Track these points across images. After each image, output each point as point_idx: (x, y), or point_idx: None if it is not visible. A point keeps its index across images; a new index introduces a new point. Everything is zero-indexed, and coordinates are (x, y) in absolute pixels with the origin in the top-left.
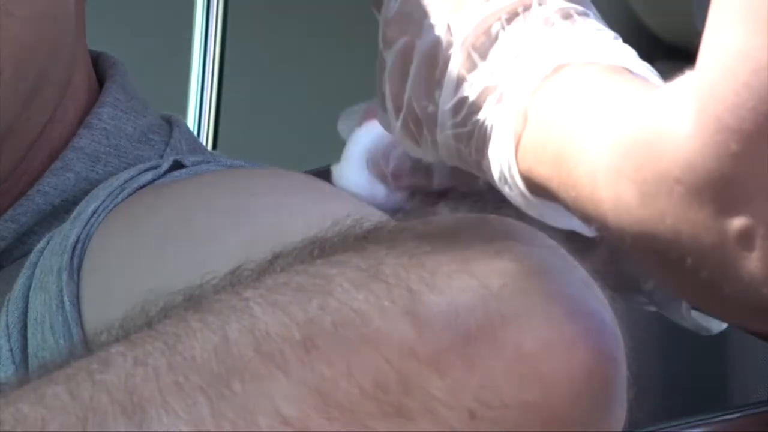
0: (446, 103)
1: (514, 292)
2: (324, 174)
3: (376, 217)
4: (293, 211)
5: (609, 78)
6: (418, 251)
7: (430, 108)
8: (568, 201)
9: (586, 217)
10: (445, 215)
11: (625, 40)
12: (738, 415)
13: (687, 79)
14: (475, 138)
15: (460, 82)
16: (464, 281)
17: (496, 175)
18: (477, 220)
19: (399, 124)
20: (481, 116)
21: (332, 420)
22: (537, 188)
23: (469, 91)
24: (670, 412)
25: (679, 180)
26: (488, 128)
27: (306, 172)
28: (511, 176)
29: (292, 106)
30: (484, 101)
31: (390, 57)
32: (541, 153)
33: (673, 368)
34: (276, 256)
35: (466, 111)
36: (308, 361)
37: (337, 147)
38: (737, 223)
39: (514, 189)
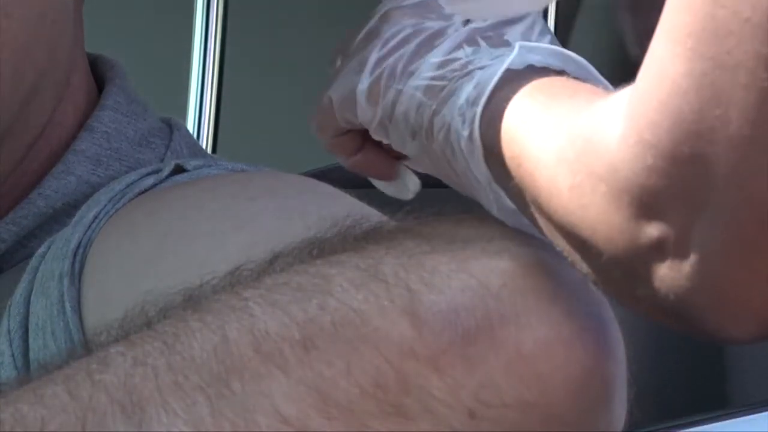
0: (434, 57)
1: (514, 292)
2: (324, 175)
3: (376, 217)
4: (293, 214)
5: (575, 83)
6: (418, 251)
7: (413, 66)
8: (512, 175)
9: (525, 195)
10: (445, 216)
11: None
12: (738, 415)
13: (628, 90)
14: (446, 91)
15: (456, 47)
16: (464, 281)
17: (458, 123)
18: (477, 220)
19: (371, 80)
20: (462, 72)
21: (332, 419)
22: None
23: (463, 54)
24: (670, 412)
25: (603, 179)
26: (462, 84)
27: (306, 173)
28: (472, 130)
29: (291, 106)
30: (470, 66)
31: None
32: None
33: (673, 368)
34: (275, 257)
35: (450, 68)
36: (308, 361)
37: None
38: (650, 230)
39: (473, 146)
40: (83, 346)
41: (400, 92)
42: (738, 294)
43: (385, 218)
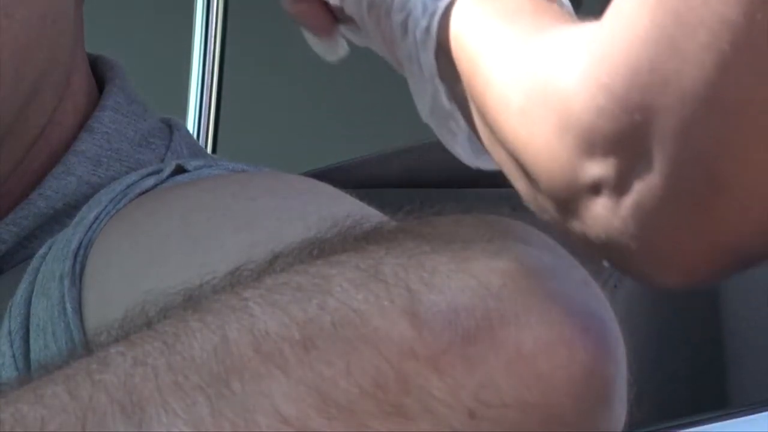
0: None
1: (514, 292)
2: (324, 175)
3: (376, 218)
4: (293, 215)
5: (542, 2)
6: (418, 251)
7: None
8: (467, 89)
9: (472, 102)
10: (445, 216)
11: None
12: (738, 415)
13: (592, 28)
14: None
15: None
16: (464, 281)
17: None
18: (477, 220)
19: None
20: None
21: (332, 419)
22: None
23: None
24: (670, 412)
25: (555, 111)
26: None
27: (306, 172)
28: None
29: (291, 106)
30: None
31: None
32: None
33: (673, 368)
34: (275, 257)
35: None
36: (308, 361)
37: (337, 147)
38: (591, 169)
39: (426, 47)
40: (84, 347)
41: None
42: (667, 243)
43: (385, 218)
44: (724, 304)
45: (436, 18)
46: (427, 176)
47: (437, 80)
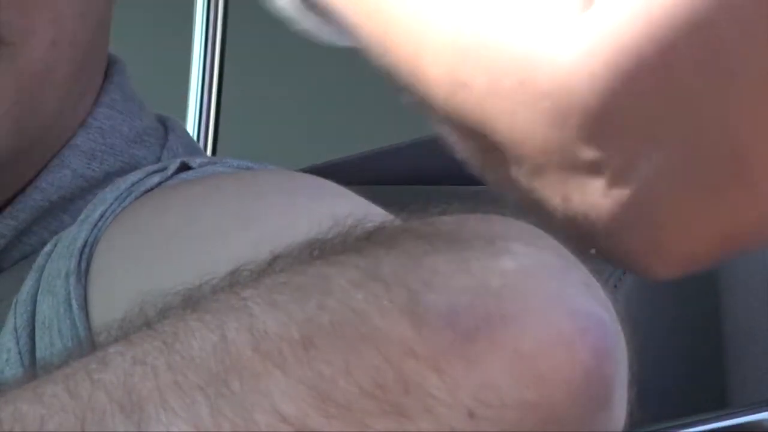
0: None
1: (514, 292)
2: (324, 172)
3: (380, 216)
4: (300, 212)
5: None
6: (418, 251)
7: None
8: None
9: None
10: (448, 215)
11: None
12: (738, 415)
13: (595, 5)
14: None
15: None
16: (464, 281)
17: None
18: (477, 220)
19: None
20: None
21: (331, 418)
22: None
23: None
24: (670, 412)
25: (548, 95)
26: None
27: (305, 168)
28: None
29: (292, 106)
30: None
31: None
32: None
33: (673, 368)
34: (275, 257)
35: None
36: (307, 360)
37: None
38: (592, 153)
39: None
40: (88, 345)
41: None
42: (671, 232)
43: (389, 216)
44: (725, 304)
45: None
46: (431, 173)
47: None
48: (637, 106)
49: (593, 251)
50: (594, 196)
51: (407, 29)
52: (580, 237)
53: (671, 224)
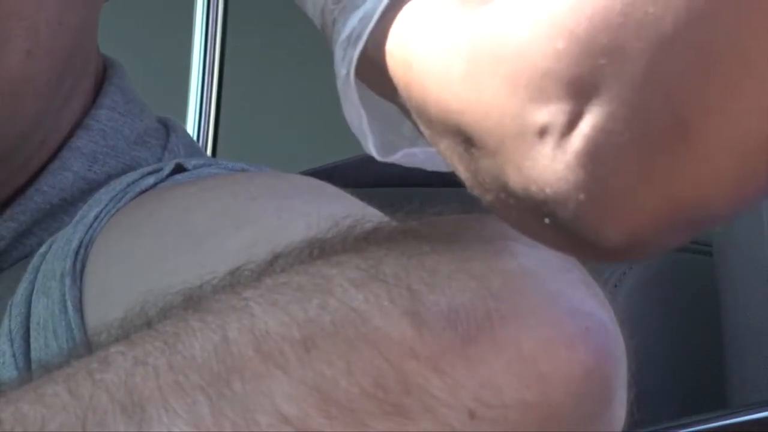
0: None
1: (514, 292)
2: (323, 174)
3: (377, 217)
4: (294, 214)
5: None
6: (418, 251)
7: None
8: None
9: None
10: (445, 216)
11: None
12: (738, 415)
13: None
14: (340, 8)
15: None
16: (464, 281)
17: (346, 33)
18: (477, 220)
19: None
20: None
21: (332, 419)
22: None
23: None
24: (670, 412)
25: (504, 60)
26: (348, 15)
27: (305, 171)
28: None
29: (291, 106)
30: None
31: None
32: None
33: (673, 368)
34: (276, 257)
35: None
36: (308, 360)
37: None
38: (542, 115)
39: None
40: (85, 346)
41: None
42: (617, 192)
43: (386, 218)
44: (725, 304)
45: (353, 65)
46: (428, 175)
47: (365, 126)
48: (585, 68)
49: (547, 220)
50: (543, 162)
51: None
52: (534, 208)
53: (616, 185)
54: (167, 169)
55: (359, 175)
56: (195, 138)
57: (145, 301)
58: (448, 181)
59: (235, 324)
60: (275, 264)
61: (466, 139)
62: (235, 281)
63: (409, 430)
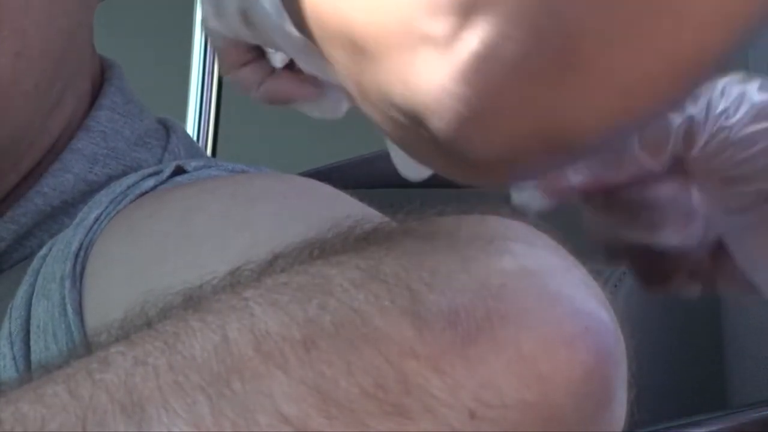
0: None
1: (514, 292)
2: (323, 175)
3: (377, 218)
4: (294, 215)
5: None
6: (418, 251)
7: None
8: None
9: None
10: (445, 216)
11: None
12: (738, 415)
13: None
14: None
15: None
16: (464, 281)
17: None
18: (477, 220)
19: None
20: None
21: (332, 419)
22: None
23: None
24: (670, 412)
25: None
26: None
27: (305, 172)
28: None
29: (291, 107)
30: None
31: None
32: None
33: (673, 368)
34: (276, 257)
35: None
36: (308, 361)
37: (337, 147)
38: (428, 23)
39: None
40: (85, 346)
41: None
42: (501, 113)
43: (385, 218)
44: (725, 304)
45: None
46: (430, 176)
47: (282, 11)
48: None
49: (423, 132)
50: (427, 70)
51: None
52: (414, 118)
53: (496, 101)
54: (167, 171)
55: (359, 176)
56: (195, 138)
57: (145, 302)
58: (448, 181)
59: (235, 324)
60: (275, 264)
61: (357, 49)
62: (235, 281)
63: (409, 430)
